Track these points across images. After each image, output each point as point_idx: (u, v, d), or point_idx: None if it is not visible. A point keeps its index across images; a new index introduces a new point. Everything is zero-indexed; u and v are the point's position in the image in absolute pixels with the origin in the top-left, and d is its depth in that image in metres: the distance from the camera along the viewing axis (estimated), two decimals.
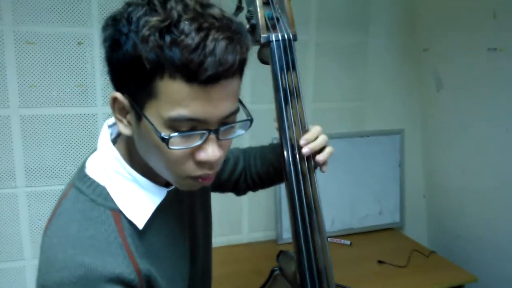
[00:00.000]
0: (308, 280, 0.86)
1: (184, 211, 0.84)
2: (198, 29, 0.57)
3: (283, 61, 0.86)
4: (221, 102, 0.62)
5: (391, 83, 2.12)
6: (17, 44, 1.55)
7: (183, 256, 0.82)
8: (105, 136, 0.74)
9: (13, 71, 1.56)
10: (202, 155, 0.65)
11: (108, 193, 0.70)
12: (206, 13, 0.60)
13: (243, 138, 1.80)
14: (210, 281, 0.98)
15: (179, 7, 0.59)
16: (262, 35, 0.87)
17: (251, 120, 0.70)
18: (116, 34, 0.61)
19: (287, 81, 0.86)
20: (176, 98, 0.59)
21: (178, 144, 0.62)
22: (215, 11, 0.61)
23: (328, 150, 0.89)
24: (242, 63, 0.63)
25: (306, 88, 1.93)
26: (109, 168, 0.71)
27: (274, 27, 0.88)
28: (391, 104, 2.13)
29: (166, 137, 0.61)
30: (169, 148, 0.62)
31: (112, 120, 0.76)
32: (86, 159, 0.76)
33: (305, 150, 0.86)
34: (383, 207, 2.12)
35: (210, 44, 0.57)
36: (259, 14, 0.87)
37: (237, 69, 0.62)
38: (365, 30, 2.03)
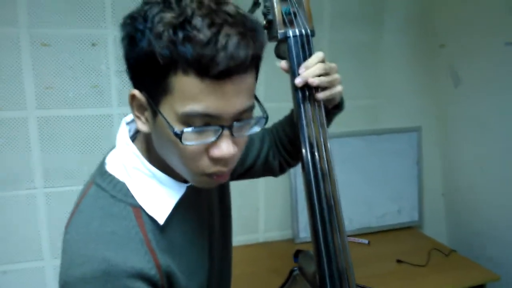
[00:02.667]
0: (328, 282, 0.84)
1: (203, 207, 0.84)
2: (211, 25, 0.58)
3: (300, 57, 0.85)
4: (235, 98, 0.62)
5: (407, 80, 2.08)
6: (33, 46, 1.56)
7: (203, 251, 0.82)
8: (123, 133, 0.75)
9: (29, 73, 1.57)
10: (216, 152, 0.64)
11: (128, 189, 0.71)
12: (220, 9, 0.60)
13: None
14: (229, 278, 0.97)
15: (194, 4, 0.59)
16: (279, 31, 0.85)
17: (266, 117, 0.69)
18: (132, 31, 0.62)
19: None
20: (189, 94, 0.59)
21: (191, 140, 0.62)
22: (229, 8, 0.61)
23: (329, 92, 0.86)
24: (256, 59, 0.63)
25: None
26: (128, 164, 0.72)
27: (291, 23, 0.87)
28: (407, 101, 2.10)
29: (179, 132, 0.61)
30: (182, 143, 0.62)
31: (130, 117, 0.77)
32: (106, 156, 0.76)
33: (297, 80, 0.84)
34: (401, 206, 2.09)
35: (222, 39, 0.57)
36: (276, 10, 0.86)
37: (250, 65, 0.62)
38: (380, 26, 2.00)
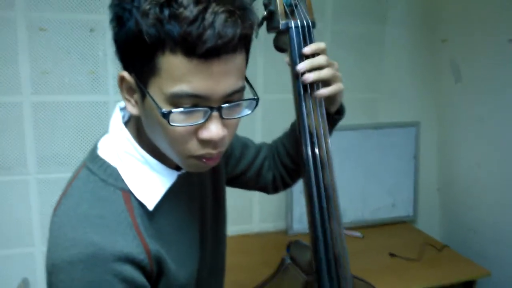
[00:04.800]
0: (325, 267, 0.85)
1: (195, 196, 0.83)
2: (197, 2, 0.57)
3: (302, 48, 0.84)
4: (223, 78, 0.60)
5: (407, 74, 2.08)
6: (30, 30, 1.54)
7: (193, 241, 0.81)
8: (117, 118, 0.74)
9: (25, 57, 1.56)
10: (205, 134, 0.63)
11: (119, 174, 0.70)
12: None
13: (254, 129, 1.79)
14: (223, 269, 0.97)
15: None
16: (281, 22, 0.85)
17: (257, 99, 0.68)
18: (120, 11, 0.61)
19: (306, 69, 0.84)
20: (177, 74, 0.58)
21: (180, 121, 0.62)
22: None
23: (332, 88, 0.85)
24: (245, 38, 0.62)
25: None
26: (120, 149, 0.72)
27: (292, 14, 0.86)
28: (407, 96, 2.10)
29: (166, 112, 0.60)
30: (170, 124, 0.61)
31: (123, 103, 0.75)
32: (98, 141, 0.76)
33: (300, 66, 0.83)
34: (396, 200, 2.10)
35: (209, 17, 0.56)
36: (277, 1, 0.85)
37: (239, 45, 0.60)
38: (382, 20, 1.99)
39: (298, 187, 1.92)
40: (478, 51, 1.86)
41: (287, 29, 0.85)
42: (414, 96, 2.11)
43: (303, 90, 0.84)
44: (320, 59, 0.83)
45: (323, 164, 0.86)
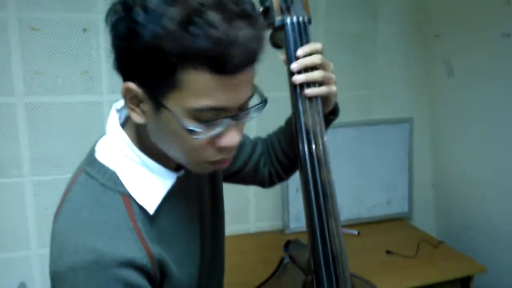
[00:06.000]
0: (323, 265, 0.85)
1: (193, 197, 0.83)
2: (222, 19, 0.56)
3: (298, 44, 0.84)
4: (243, 88, 0.62)
5: (400, 71, 2.09)
6: (22, 31, 1.53)
7: (194, 241, 0.81)
8: (113, 120, 0.73)
9: (17, 58, 1.54)
10: (223, 142, 0.65)
11: (118, 178, 0.70)
12: None
13: (249, 127, 1.78)
14: (222, 270, 0.97)
15: None
16: (277, 18, 0.84)
17: (265, 101, 0.69)
18: (130, 23, 0.59)
19: None
20: (200, 89, 0.59)
21: (201, 134, 0.62)
22: None
23: (321, 89, 0.85)
24: (263, 48, 0.63)
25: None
26: (118, 152, 0.71)
27: (288, 10, 0.86)
28: (401, 92, 2.11)
29: (194, 129, 0.61)
30: (194, 139, 0.62)
31: (120, 104, 0.75)
32: (95, 143, 0.75)
33: (293, 65, 0.83)
34: (391, 197, 2.10)
35: (234, 34, 0.56)
36: None
37: (259, 56, 0.62)
38: (375, 16, 1.99)
39: (294, 185, 1.92)
40: (470, 47, 1.86)
41: (283, 25, 0.85)
42: (407, 92, 2.12)
43: (299, 86, 0.84)
44: (312, 59, 0.83)
45: (319, 162, 0.85)
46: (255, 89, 0.67)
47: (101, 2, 1.59)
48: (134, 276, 0.65)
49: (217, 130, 0.63)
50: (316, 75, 0.83)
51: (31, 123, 1.60)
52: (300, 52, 0.83)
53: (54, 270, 0.64)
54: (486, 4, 1.76)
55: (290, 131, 0.95)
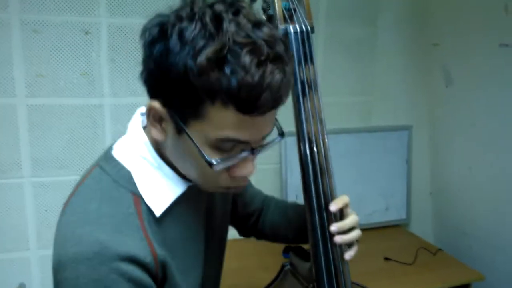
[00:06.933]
0: (325, 274, 0.85)
1: (202, 209, 0.83)
2: (255, 63, 0.57)
3: (301, 53, 0.85)
4: (265, 127, 0.65)
5: (399, 78, 2.09)
6: (24, 33, 1.53)
7: (198, 253, 0.81)
8: (136, 122, 0.75)
9: (19, 60, 1.54)
10: (239, 172, 0.68)
11: (131, 177, 0.71)
12: (259, 37, 0.59)
13: None
14: (219, 277, 0.98)
15: (232, 28, 0.58)
16: (280, 27, 0.85)
17: (282, 136, 0.72)
18: (164, 49, 0.59)
19: (304, 74, 0.84)
20: (224, 123, 0.60)
21: (219, 165, 0.64)
22: (265, 32, 0.60)
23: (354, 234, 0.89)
24: (290, 91, 0.65)
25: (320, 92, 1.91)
26: (136, 152, 0.72)
27: (291, 19, 0.87)
28: (399, 99, 2.11)
29: (214, 163, 0.63)
30: (213, 169, 0.64)
31: (144, 108, 0.76)
32: (114, 142, 0.76)
33: (337, 239, 0.86)
34: (389, 204, 2.11)
35: (266, 79, 0.57)
36: (276, 5, 0.86)
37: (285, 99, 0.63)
38: (374, 23, 2.00)
39: (293, 191, 1.92)
40: (469, 55, 1.87)
41: (286, 34, 0.85)
42: (406, 99, 2.12)
43: (302, 94, 0.84)
44: (353, 235, 0.88)
45: (322, 171, 0.86)
46: (274, 123, 0.69)
47: (103, 6, 1.60)
48: (137, 272, 0.65)
49: (234, 161, 0.65)
50: (354, 236, 0.88)
51: (32, 125, 1.60)
52: (333, 207, 0.85)
53: (57, 260, 0.65)
54: (485, 14, 1.77)
55: (290, 214, 1.02)
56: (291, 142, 0.89)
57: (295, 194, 1.90)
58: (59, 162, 1.65)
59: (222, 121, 0.60)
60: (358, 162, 2.02)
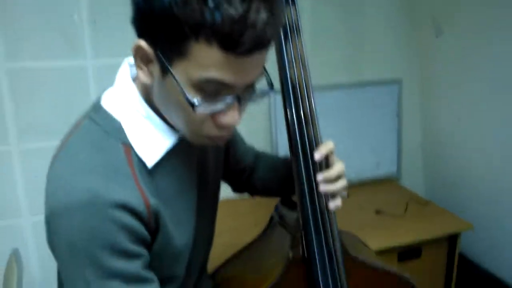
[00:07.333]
0: (312, 222, 0.85)
1: (194, 162, 0.83)
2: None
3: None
4: (251, 71, 0.63)
5: (388, 30, 2.06)
6: None
7: (190, 207, 0.81)
8: (125, 72, 0.74)
9: None
10: (223, 120, 0.66)
11: (122, 127, 0.70)
12: None
13: None
14: (212, 237, 0.98)
15: None
16: None
17: (272, 88, 0.70)
18: None
19: (286, 16, 0.82)
20: (208, 62, 0.59)
21: (202, 107, 0.63)
22: None
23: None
24: (278, 34, 0.63)
25: (302, 36, 1.87)
26: (126, 103, 0.71)
27: None
28: (389, 52, 2.08)
29: (195, 103, 0.61)
30: (195, 111, 0.62)
31: (132, 59, 0.74)
32: (102, 93, 0.75)
33: (321, 188, 0.85)
34: (380, 159, 2.12)
35: (252, 16, 0.56)
36: None
37: (273, 41, 0.61)
38: None
39: (283, 149, 1.92)
40: (459, 5, 1.84)
41: None
42: (396, 52, 2.10)
43: (284, 38, 0.82)
44: (340, 185, 0.87)
45: (306, 118, 0.85)
46: (263, 73, 0.67)
47: None
48: (130, 220, 0.65)
49: (218, 106, 0.64)
50: (340, 186, 0.87)
51: (14, 91, 1.57)
52: (317, 156, 0.84)
53: (50, 210, 0.64)
54: None
55: (280, 170, 1.02)
56: (281, 100, 0.89)
57: (286, 153, 1.90)
58: (45, 127, 1.63)
59: (206, 60, 0.58)
60: (348, 118, 2.02)
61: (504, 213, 1.78)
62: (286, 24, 0.82)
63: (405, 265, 1.69)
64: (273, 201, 1.81)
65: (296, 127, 0.84)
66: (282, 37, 0.82)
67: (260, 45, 0.59)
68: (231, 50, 0.57)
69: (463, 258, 1.90)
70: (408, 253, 1.69)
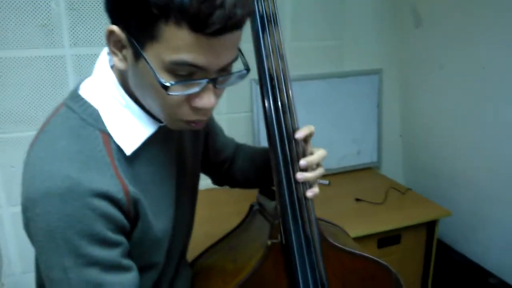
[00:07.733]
0: (289, 210, 0.86)
1: (172, 152, 0.83)
2: None
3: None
4: (224, 52, 0.62)
5: (369, 20, 2.07)
6: None
7: (169, 195, 0.81)
8: (103, 61, 0.73)
9: None
10: (199, 103, 0.65)
11: (99, 115, 0.70)
12: None
13: None
14: (192, 227, 0.99)
15: None
16: None
17: (247, 70, 0.69)
18: None
19: (264, 7, 0.82)
20: (179, 45, 0.59)
21: (176, 90, 0.63)
22: None
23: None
24: (249, 15, 0.62)
25: (283, 26, 1.87)
26: (104, 91, 0.71)
27: None
28: (370, 43, 2.10)
29: (167, 85, 0.61)
30: (168, 94, 0.62)
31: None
32: (80, 82, 0.75)
33: (298, 176, 0.85)
34: (361, 147, 2.14)
35: None
36: None
37: (243, 23, 0.61)
38: None
39: (264, 139, 1.91)
40: None
41: None
42: (377, 43, 2.11)
43: (261, 29, 0.82)
44: (319, 172, 0.88)
45: (284, 109, 0.85)
46: (239, 55, 0.67)
47: None
48: (109, 208, 0.65)
49: (192, 89, 0.63)
50: (318, 174, 0.88)
51: None
52: (298, 135, 0.85)
53: (27, 196, 0.64)
54: None
55: (259, 162, 1.02)
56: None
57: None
58: (22, 116, 1.60)
59: (177, 42, 0.58)
60: (329, 107, 2.03)
61: (480, 201, 1.82)
62: (264, 15, 0.82)
63: (385, 251, 1.72)
64: (253, 192, 1.82)
65: (273, 116, 0.84)
66: (260, 27, 0.82)
67: (230, 26, 0.58)
68: (201, 31, 0.57)
69: (441, 243, 1.94)
70: (387, 239, 1.72)
